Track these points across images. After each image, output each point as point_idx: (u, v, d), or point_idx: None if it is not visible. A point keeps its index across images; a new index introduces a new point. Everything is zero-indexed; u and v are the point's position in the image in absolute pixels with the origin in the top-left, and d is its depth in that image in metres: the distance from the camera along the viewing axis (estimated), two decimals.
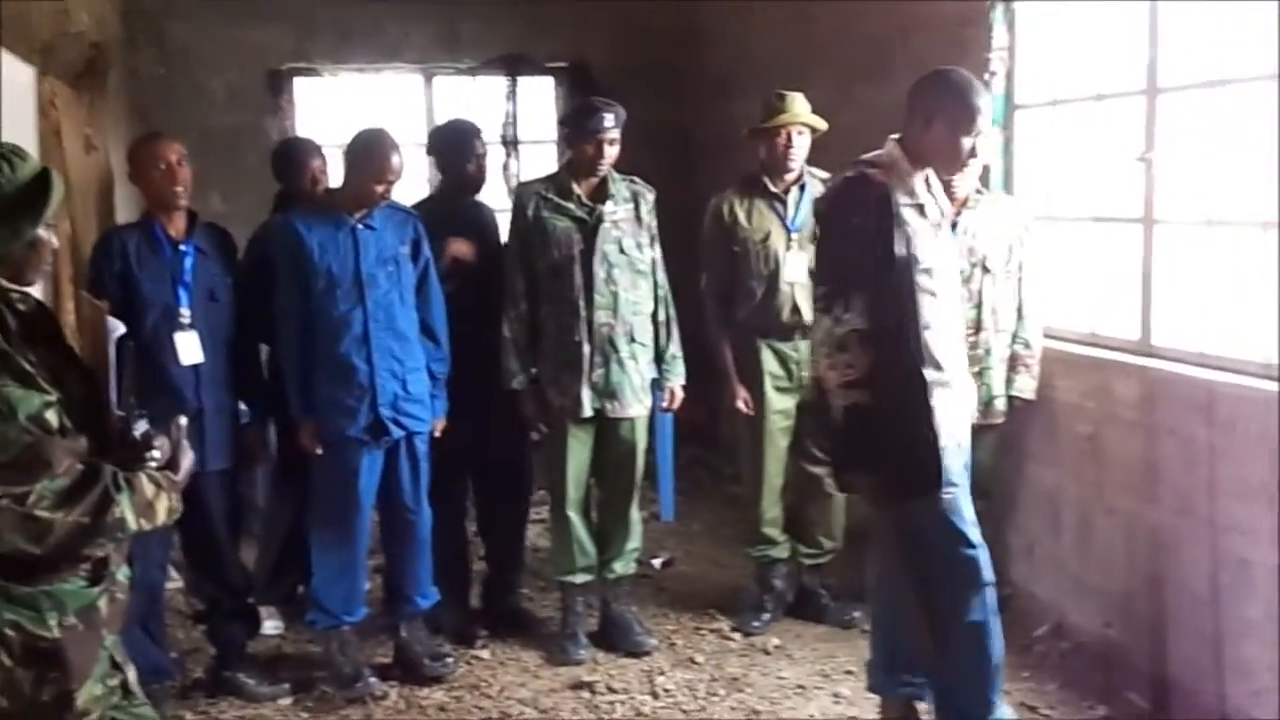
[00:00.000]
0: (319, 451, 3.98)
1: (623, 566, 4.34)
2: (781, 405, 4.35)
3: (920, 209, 3.13)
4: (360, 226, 3.98)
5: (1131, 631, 3.79)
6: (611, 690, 4.04)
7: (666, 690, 4.02)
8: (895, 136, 3.20)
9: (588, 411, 4.12)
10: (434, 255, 4.14)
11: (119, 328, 2.21)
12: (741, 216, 4.31)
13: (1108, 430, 3.88)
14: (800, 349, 4.29)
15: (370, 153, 3.95)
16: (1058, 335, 4.22)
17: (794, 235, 4.27)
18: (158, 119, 5.87)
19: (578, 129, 4.12)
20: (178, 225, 3.92)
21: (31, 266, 2.18)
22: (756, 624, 4.45)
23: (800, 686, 4.03)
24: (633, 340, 4.15)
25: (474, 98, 7.02)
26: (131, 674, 2.30)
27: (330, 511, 4.06)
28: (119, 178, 4.72)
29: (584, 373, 4.09)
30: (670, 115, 6.88)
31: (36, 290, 2.30)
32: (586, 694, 4.01)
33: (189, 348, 3.81)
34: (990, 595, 3.22)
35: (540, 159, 6.97)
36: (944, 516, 3.16)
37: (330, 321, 3.94)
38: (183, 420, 2.32)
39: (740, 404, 4.34)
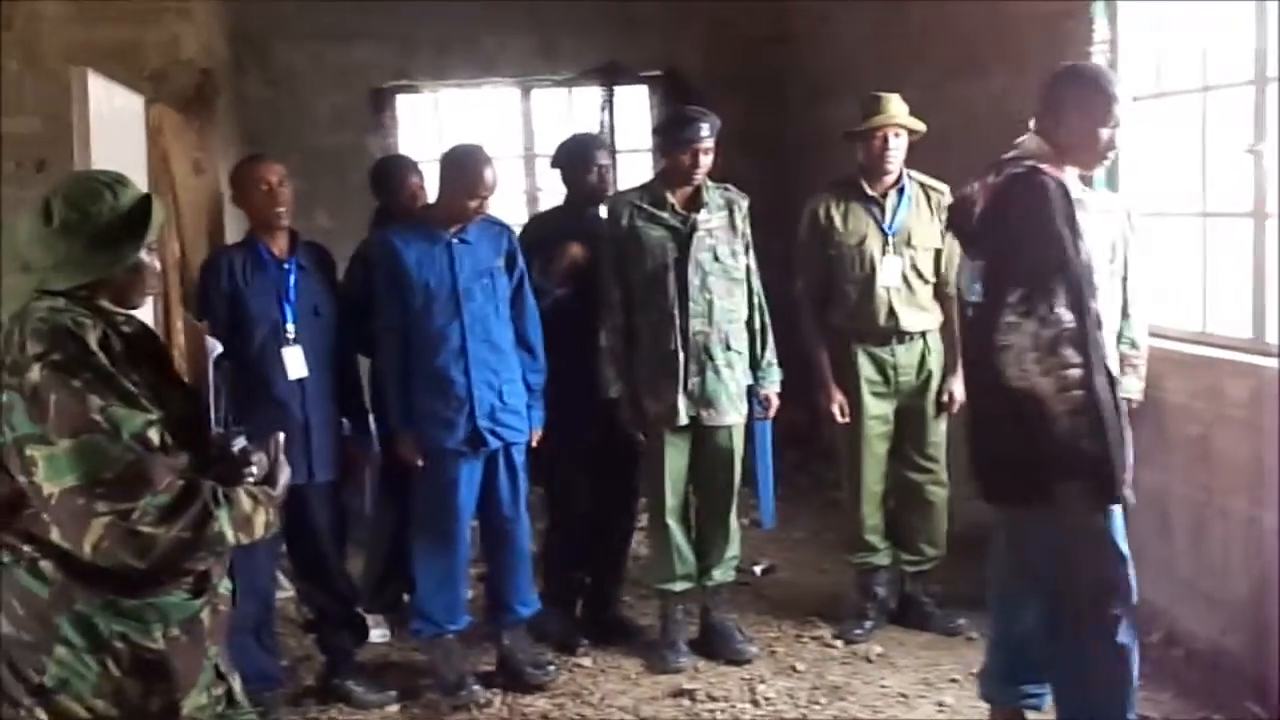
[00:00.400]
0: (419, 463, 4.06)
1: (722, 574, 4.32)
2: (879, 411, 4.29)
3: (1079, 202, 3.03)
4: (456, 241, 4.05)
5: (1247, 638, 3.66)
6: (712, 698, 4.02)
7: (767, 698, 3.99)
8: (1032, 133, 3.13)
9: (683, 419, 4.11)
10: (552, 262, 4.23)
11: (216, 347, 2.28)
12: (837, 220, 4.26)
13: (1219, 431, 3.75)
14: (897, 353, 4.25)
15: (463, 169, 4.02)
16: (1165, 334, 4.09)
17: (890, 239, 4.21)
18: (265, 140, 6.06)
19: (672, 138, 4.12)
20: (280, 244, 4.03)
21: (135, 290, 2.26)
22: (859, 632, 4.40)
23: (903, 695, 3.97)
24: (728, 348, 4.13)
25: (571, 108, 7.10)
26: (237, 683, 2.36)
27: (431, 522, 4.13)
28: (228, 199, 4.88)
29: (680, 381, 4.08)
30: (764, 120, 6.87)
31: (145, 311, 2.39)
32: (687, 702, 4.01)
33: (295, 362, 3.91)
34: (1134, 615, 3.11)
35: (637, 168, 7.00)
36: (1110, 528, 3.05)
37: (427, 335, 4.01)
38: (280, 436, 2.38)
39: (835, 409, 4.29)
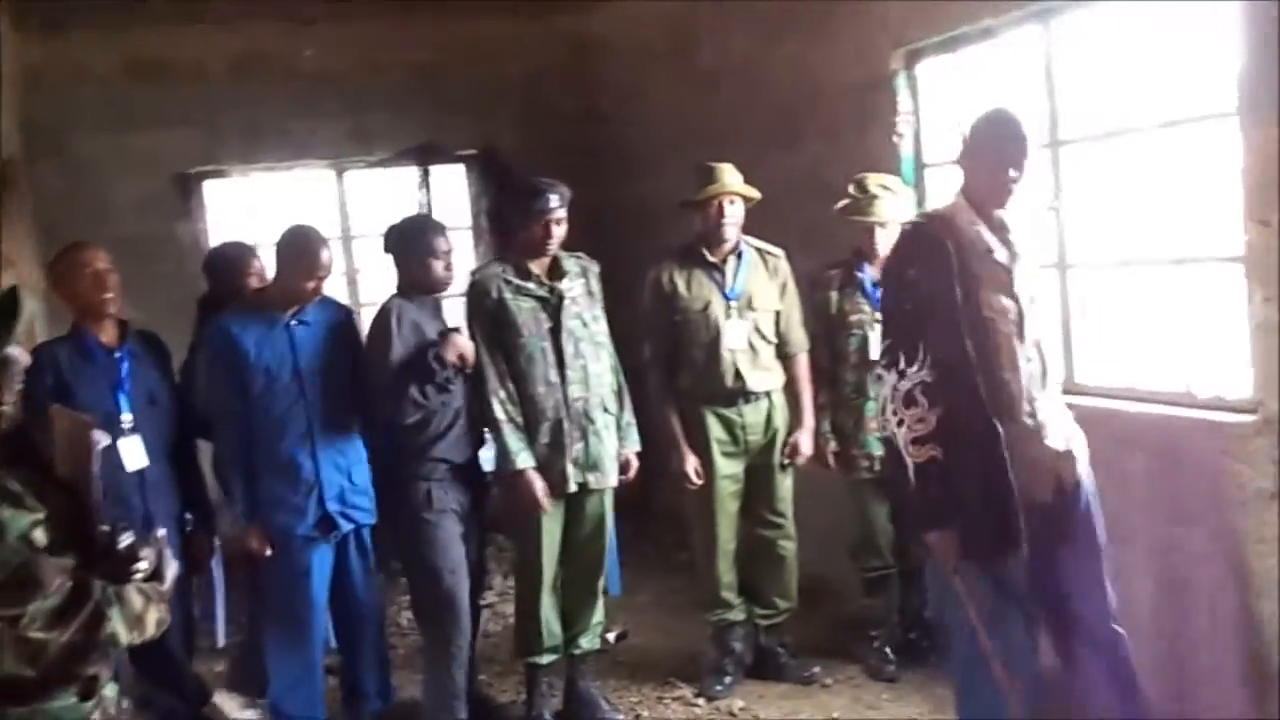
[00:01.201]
0: (268, 553, 3.93)
1: (589, 642, 4.32)
2: (729, 470, 4.39)
3: (988, 253, 3.07)
4: (294, 323, 3.98)
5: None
6: None
7: None
8: (960, 185, 3.20)
9: (573, 487, 4.08)
10: (441, 353, 3.90)
11: (103, 440, 2.20)
12: (681, 286, 4.35)
13: None
14: (744, 414, 4.35)
15: (299, 250, 3.98)
16: None
17: (733, 303, 4.33)
18: (63, 232, 5.74)
19: (524, 211, 4.11)
20: (110, 333, 3.90)
21: (4, 386, 2.16)
22: (719, 688, 4.46)
23: None
24: (605, 411, 4.15)
25: (387, 189, 7.06)
26: None
27: (284, 613, 4.02)
28: (31, 293, 4.65)
29: (566, 448, 4.06)
30: (581, 194, 6.91)
31: None
32: None
33: (132, 453, 3.78)
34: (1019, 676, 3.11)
35: (456, 245, 6.99)
36: (987, 580, 3.05)
37: (271, 420, 3.93)
38: (161, 531, 2.32)
39: (690, 470, 4.34)
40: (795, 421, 4.43)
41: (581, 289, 4.18)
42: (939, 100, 4.59)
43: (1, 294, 2.15)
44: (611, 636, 5.19)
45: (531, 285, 4.11)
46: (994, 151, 3.07)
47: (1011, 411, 3.05)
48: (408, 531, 4.00)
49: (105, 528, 2.17)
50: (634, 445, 4.28)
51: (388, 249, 4.15)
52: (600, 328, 4.21)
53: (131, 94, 6.47)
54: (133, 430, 3.79)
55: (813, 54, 5.15)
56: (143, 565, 2.17)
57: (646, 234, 6.11)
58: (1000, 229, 3.13)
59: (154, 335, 4.11)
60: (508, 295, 4.08)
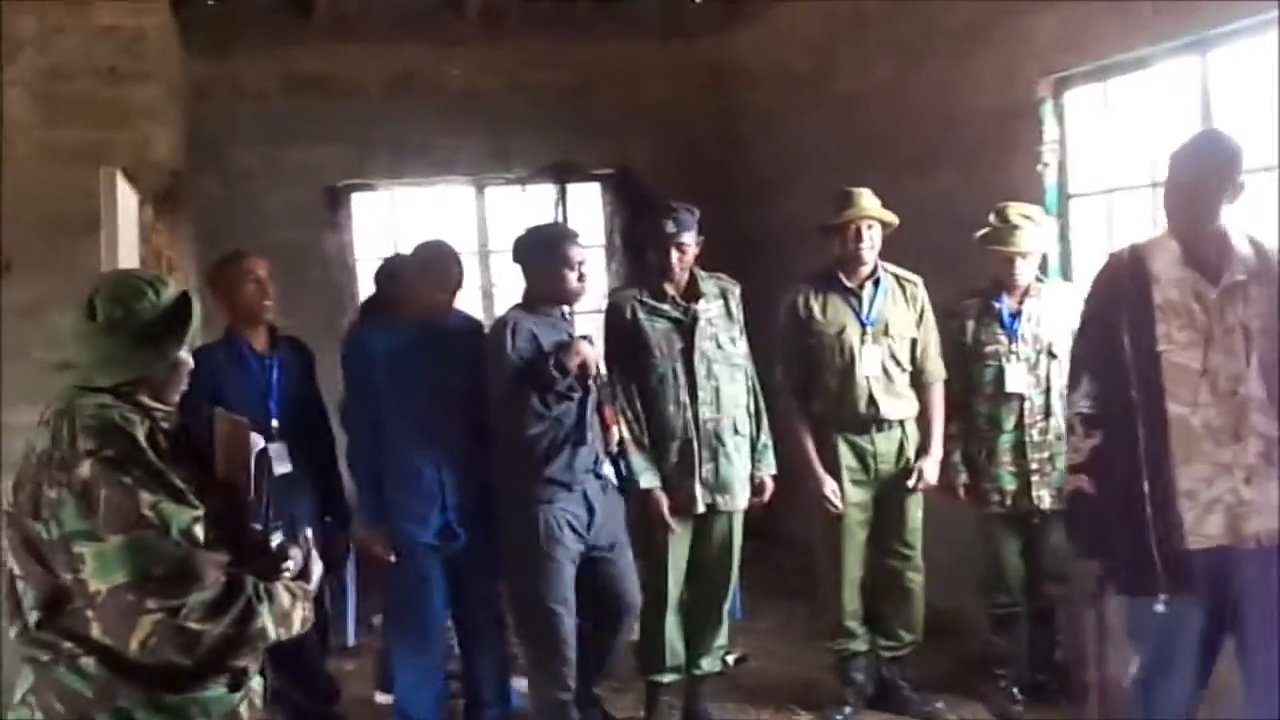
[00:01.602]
0: (392, 559, 4.03)
1: (710, 664, 4.32)
2: (858, 498, 4.32)
3: (1181, 283, 2.93)
4: (428, 335, 4.06)
5: None
6: None
7: None
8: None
9: (701, 507, 4.10)
10: (564, 361, 3.83)
11: (260, 442, 2.30)
12: (816, 310, 4.31)
13: None
14: (876, 441, 4.29)
15: (433, 264, 4.08)
16: None
17: (868, 329, 4.27)
18: (219, 239, 6.03)
19: (651, 234, 4.17)
20: (262, 340, 4.06)
21: (172, 386, 2.28)
22: (839, 717, 4.42)
23: None
24: (736, 432, 4.15)
25: (525, 206, 7.22)
26: None
27: (407, 619, 4.12)
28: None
29: (694, 469, 4.08)
30: (712, 217, 6.95)
31: None
32: None
33: (279, 458, 3.88)
34: None
35: (590, 263, 7.09)
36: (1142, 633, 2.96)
37: (398, 429, 4.01)
38: (309, 531, 2.40)
39: (829, 494, 4.26)
40: (925, 449, 4.36)
41: (719, 310, 4.20)
42: (1086, 129, 4.50)
43: (175, 298, 2.26)
44: (731, 659, 5.18)
45: (666, 306, 4.15)
46: (1194, 176, 2.93)
47: (1186, 449, 2.88)
48: (516, 557, 3.95)
49: (257, 527, 2.27)
50: (770, 468, 4.26)
51: (516, 259, 4.09)
52: (737, 349, 4.21)
53: (287, 109, 6.77)
54: (280, 436, 3.91)
55: (955, 79, 5.10)
56: (291, 564, 2.26)
57: (782, 258, 6.11)
58: (1210, 258, 2.94)
59: (301, 342, 4.26)
60: (641, 316, 4.13)
